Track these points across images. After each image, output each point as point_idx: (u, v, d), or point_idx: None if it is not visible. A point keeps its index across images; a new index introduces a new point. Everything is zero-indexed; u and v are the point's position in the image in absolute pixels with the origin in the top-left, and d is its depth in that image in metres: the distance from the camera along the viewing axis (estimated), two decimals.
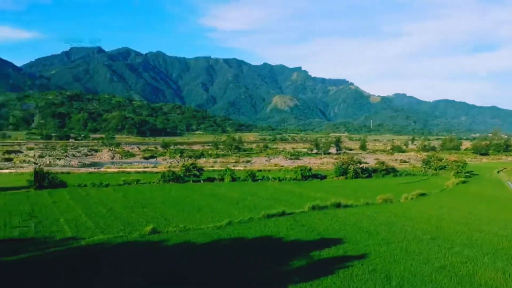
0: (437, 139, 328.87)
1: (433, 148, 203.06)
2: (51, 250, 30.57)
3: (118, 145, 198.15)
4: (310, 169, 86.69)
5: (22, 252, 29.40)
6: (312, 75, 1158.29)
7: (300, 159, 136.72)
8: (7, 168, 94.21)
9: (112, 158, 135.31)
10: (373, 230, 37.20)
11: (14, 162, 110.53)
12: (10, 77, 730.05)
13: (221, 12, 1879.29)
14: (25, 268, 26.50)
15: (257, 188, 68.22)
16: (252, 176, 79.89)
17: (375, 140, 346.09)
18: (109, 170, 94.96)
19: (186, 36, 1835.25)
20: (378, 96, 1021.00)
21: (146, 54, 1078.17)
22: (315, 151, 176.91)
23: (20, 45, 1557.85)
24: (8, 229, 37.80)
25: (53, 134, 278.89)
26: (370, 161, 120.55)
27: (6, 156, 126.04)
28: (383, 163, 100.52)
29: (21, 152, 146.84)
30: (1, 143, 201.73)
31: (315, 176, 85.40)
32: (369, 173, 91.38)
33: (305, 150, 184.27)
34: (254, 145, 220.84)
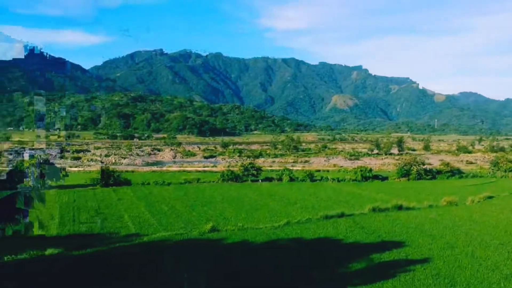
0: (507, 139, 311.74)
1: (502, 149, 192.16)
2: (116, 246, 31.92)
3: (179, 144, 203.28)
4: (371, 170, 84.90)
5: (90, 246, 30.90)
6: (373, 74, 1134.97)
7: (360, 160, 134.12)
8: (76, 167, 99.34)
9: (174, 157, 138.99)
10: (437, 234, 35.93)
11: (82, 161, 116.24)
12: (79, 79, 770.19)
13: (279, 12, 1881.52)
14: (92, 262, 27.84)
15: (315, 189, 67.75)
16: (311, 176, 79.40)
17: (439, 140, 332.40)
18: (170, 169, 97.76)
19: (245, 36, 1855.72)
20: (443, 94, 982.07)
21: (206, 55, 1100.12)
22: (375, 151, 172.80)
23: (88, 49, 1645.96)
24: (77, 224, 39.88)
25: (118, 134, 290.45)
26: (434, 162, 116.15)
27: (75, 155, 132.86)
28: (448, 164, 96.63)
29: (89, 151, 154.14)
30: (71, 143, 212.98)
31: (376, 177, 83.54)
32: (433, 174, 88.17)
33: (365, 150, 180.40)
34: (312, 145, 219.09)
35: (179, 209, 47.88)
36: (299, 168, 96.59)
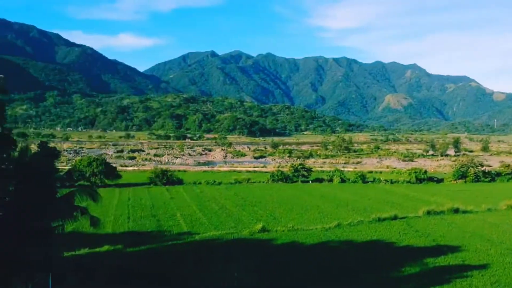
0: None
1: None
2: (169, 244, 32.67)
3: (230, 145, 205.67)
4: (425, 172, 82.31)
5: (143, 244, 31.80)
6: (428, 72, 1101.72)
7: (415, 161, 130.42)
8: (131, 166, 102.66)
9: (225, 158, 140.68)
10: (496, 239, 34.33)
11: (137, 160, 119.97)
12: (134, 81, 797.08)
13: (330, 11, 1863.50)
14: (146, 259, 28.64)
15: (367, 190, 66.42)
16: (362, 177, 77.87)
17: (499, 141, 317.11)
18: (221, 169, 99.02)
19: (295, 37, 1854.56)
20: (503, 93, 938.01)
21: (256, 56, 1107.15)
22: (431, 152, 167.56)
23: (142, 51, 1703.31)
24: (131, 222, 41.08)
25: (171, 134, 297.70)
26: (494, 163, 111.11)
27: (130, 154, 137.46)
28: (508, 165, 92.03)
29: (143, 151, 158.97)
30: (126, 143, 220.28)
31: (431, 179, 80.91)
32: (492, 176, 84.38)
33: (420, 151, 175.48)
34: (364, 146, 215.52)
35: (229, 208, 48.36)
36: (351, 169, 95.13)
